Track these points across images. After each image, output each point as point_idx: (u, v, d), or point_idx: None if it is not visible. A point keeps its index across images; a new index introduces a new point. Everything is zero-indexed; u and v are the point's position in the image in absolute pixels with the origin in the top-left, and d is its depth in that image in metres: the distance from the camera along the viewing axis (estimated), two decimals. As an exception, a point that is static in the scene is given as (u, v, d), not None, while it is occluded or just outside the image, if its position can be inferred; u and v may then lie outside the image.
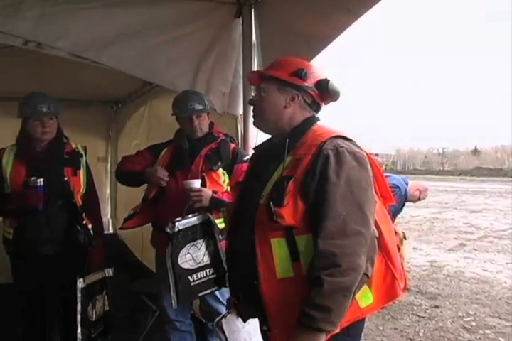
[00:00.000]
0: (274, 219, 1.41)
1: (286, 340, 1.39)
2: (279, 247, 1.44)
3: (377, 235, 1.46)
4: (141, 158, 2.62)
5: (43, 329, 2.71)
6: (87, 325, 2.47)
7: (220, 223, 2.44)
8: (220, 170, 2.49)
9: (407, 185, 4.55)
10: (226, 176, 2.51)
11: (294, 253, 1.43)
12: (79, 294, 2.40)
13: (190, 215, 2.29)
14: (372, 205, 1.46)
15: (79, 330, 2.39)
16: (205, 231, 2.28)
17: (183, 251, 2.22)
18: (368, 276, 1.42)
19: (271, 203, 1.42)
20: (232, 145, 2.58)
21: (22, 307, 2.66)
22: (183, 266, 2.20)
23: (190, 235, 2.26)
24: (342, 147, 1.45)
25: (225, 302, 2.48)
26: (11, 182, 2.54)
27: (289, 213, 1.42)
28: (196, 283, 2.23)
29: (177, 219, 2.24)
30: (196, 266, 2.23)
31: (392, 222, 1.69)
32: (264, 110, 1.63)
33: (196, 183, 2.37)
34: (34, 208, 2.48)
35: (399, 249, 4.84)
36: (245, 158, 2.51)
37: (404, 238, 5.09)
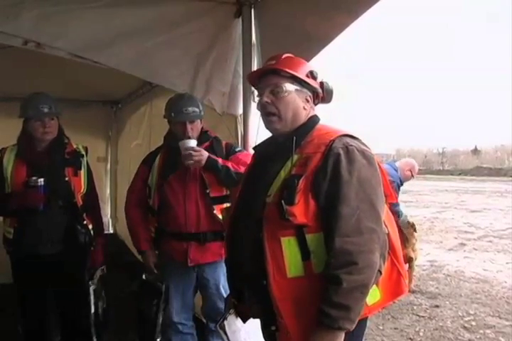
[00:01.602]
0: (285, 218, 1.42)
1: (300, 340, 1.40)
2: (289, 246, 1.45)
3: (387, 232, 1.48)
4: (140, 179, 2.63)
5: (43, 328, 2.71)
6: (98, 326, 2.55)
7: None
8: None
9: (397, 171, 4.76)
10: None
11: (305, 251, 1.44)
12: (92, 296, 2.46)
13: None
14: (383, 202, 1.48)
15: (92, 330, 2.46)
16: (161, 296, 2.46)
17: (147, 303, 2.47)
18: (381, 273, 1.44)
19: (282, 201, 1.42)
20: (224, 142, 2.60)
21: (22, 307, 2.66)
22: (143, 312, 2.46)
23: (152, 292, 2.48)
24: (351, 145, 1.47)
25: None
26: (12, 181, 2.54)
27: (300, 211, 1.42)
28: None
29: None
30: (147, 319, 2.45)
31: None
32: (286, 111, 1.58)
33: (193, 143, 2.38)
34: (35, 208, 2.49)
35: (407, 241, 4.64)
36: (237, 149, 2.56)
37: (415, 230, 5.11)
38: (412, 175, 4.92)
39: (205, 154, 2.38)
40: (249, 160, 2.45)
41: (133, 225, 2.65)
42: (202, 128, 2.58)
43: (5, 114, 3.69)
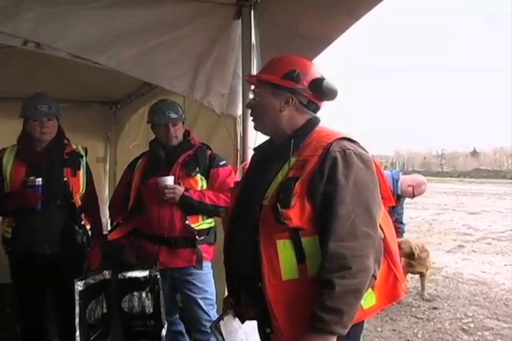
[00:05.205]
0: (281, 221, 1.41)
1: None
2: (284, 249, 1.44)
3: (383, 237, 1.47)
4: (124, 182, 2.74)
5: (42, 329, 2.71)
6: (86, 328, 2.46)
7: (199, 225, 2.55)
8: (198, 175, 2.56)
9: (397, 181, 4.39)
10: (204, 181, 2.59)
11: (300, 255, 1.44)
12: (77, 297, 2.39)
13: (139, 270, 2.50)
14: (379, 207, 1.47)
15: (77, 333, 2.39)
16: (147, 285, 2.49)
17: (126, 298, 2.50)
18: (375, 278, 1.42)
19: (278, 204, 1.42)
20: (209, 152, 2.65)
21: (21, 307, 2.66)
22: (126, 310, 2.51)
23: (133, 285, 2.50)
24: (349, 149, 1.46)
25: (206, 310, 2.56)
26: (11, 181, 2.55)
27: (296, 214, 1.42)
28: (137, 329, 2.52)
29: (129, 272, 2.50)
30: (136, 314, 2.50)
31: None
32: (261, 115, 1.63)
33: (170, 180, 2.47)
34: (32, 207, 2.49)
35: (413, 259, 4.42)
36: (221, 163, 2.61)
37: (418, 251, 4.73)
38: (413, 194, 4.43)
39: (180, 192, 2.47)
40: (228, 178, 2.55)
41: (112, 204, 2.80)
42: (186, 134, 2.66)
43: (5, 114, 3.69)
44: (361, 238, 1.37)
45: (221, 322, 1.69)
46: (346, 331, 1.35)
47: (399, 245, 4.44)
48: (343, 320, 1.33)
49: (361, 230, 1.38)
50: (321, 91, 1.57)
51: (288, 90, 1.56)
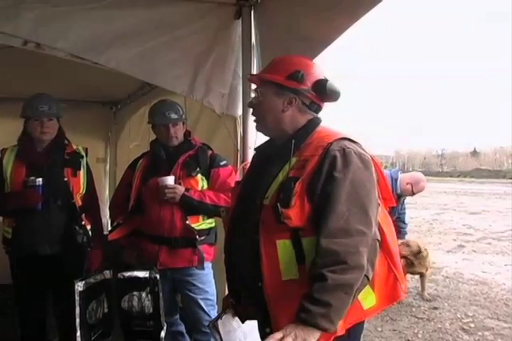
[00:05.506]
0: (281, 221, 1.41)
1: None
2: (284, 249, 1.44)
3: (379, 238, 1.46)
4: (125, 183, 2.74)
5: (42, 329, 2.71)
6: (86, 328, 2.46)
7: (200, 225, 2.54)
8: (199, 175, 2.56)
9: (396, 180, 4.39)
10: (205, 181, 2.59)
11: (300, 255, 1.43)
12: (77, 297, 2.40)
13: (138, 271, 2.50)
14: (375, 207, 1.46)
15: (78, 333, 2.39)
16: (147, 285, 2.47)
17: (126, 297, 2.50)
18: (368, 278, 1.41)
19: (278, 204, 1.42)
20: (210, 152, 2.65)
21: (21, 307, 2.66)
22: (125, 309, 2.50)
23: (133, 285, 2.50)
24: (349, 148, 1.46)
25: (207, 310, 2.56)
26: (11, 181, 2.55)
27: (296, 214, 1.42)
28: (136, 329, 2.52)
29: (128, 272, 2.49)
30: (136, 314, 2.50)
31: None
32: (263, 114, 1.62)
33: (170, 180, 2.47)
34: (33, 208, 2.49)
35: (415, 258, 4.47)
36: (222, 163, 2.61)
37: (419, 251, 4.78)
38: (413, 191, 4.43)
39: (180, 191, 2.47)
40: (229, 178, 2.55)
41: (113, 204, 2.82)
42: (186, 134, 2.66)
43: (5, 115, 3.69)
44: (355, 235, 1.36)
45: (219, 321, 1.69)
46: (333, 328, 1.32)
47: (407, 244, 4.48)
48: (330, 314, 1.30)
49: (355, 228, 1.37)
50: (324, 92, 1.57)
51: (291, 91, 1.57)
